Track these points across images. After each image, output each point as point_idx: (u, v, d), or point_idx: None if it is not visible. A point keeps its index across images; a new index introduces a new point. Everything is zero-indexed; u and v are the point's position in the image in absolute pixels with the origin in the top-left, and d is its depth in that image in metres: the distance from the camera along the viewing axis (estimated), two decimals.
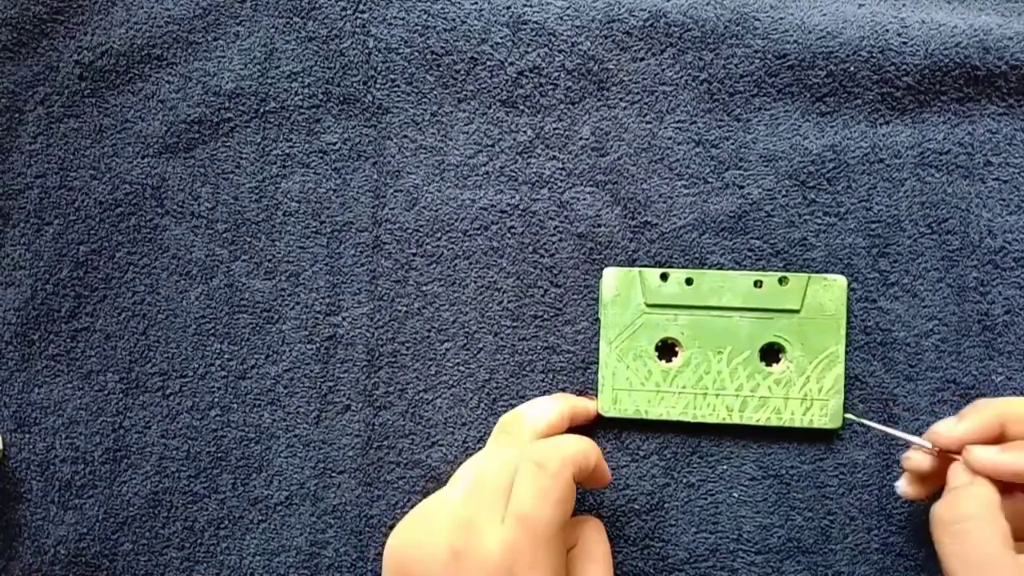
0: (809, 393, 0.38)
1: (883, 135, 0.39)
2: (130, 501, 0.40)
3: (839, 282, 0.38)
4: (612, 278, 0.39)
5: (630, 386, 0.38)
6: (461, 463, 0.39)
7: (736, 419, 0.38)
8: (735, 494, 0.39)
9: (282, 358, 0.40)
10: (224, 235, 0.41)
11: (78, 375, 0.40)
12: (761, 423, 0.38)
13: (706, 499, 0.39)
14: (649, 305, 0.38)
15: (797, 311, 0.38)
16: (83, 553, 0.40)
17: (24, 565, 0.40)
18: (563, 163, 0.40)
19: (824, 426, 0.38)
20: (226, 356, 0.40)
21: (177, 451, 0.40)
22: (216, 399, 0.40)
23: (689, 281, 0.38)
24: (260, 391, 0.40)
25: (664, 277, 0.38)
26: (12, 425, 0.40)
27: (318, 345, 0.40)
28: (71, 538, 0.40)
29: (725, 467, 0.39)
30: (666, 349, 0.39)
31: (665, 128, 0.40)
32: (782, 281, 0.38)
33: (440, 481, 0.39)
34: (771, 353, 0.38)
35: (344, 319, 0.40)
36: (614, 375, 0.38)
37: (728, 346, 0.38)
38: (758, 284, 0.38)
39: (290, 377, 0.40)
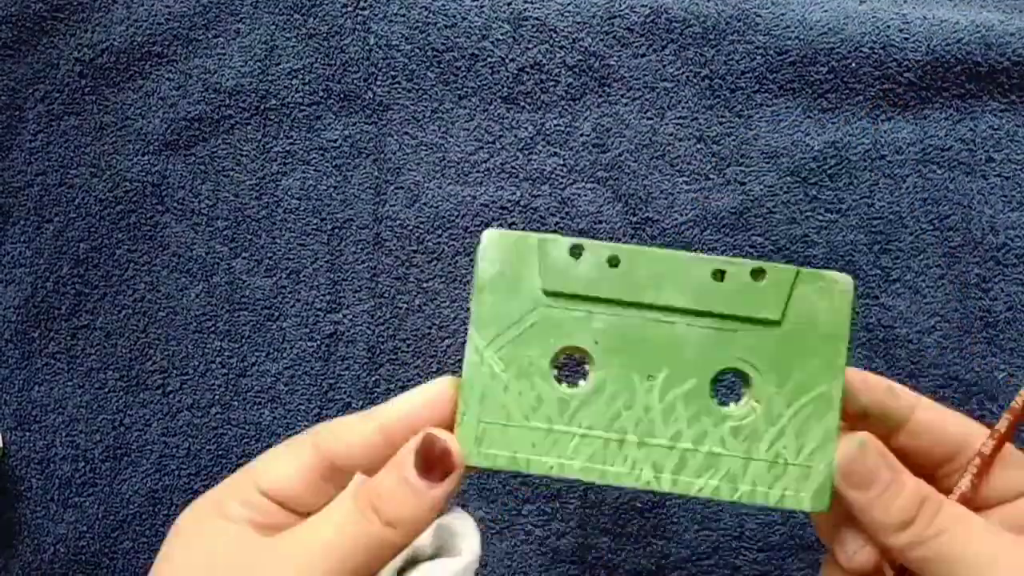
0: (782, 453, 0.25)
1: (885, 131, 0.39)
2: (130, 499, 0.40)
3: (841, 285, 0.25)
4: (495, 246, 0.25)
5: (507, 419, 0.25)
6: None
7: (666, 485, 0.25)
8: None
9: (283, 355, 0.40)
10: (224, 232, 0.41)
11: (78, 373, 0.40)
12: (705, 494, 0.25)
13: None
14: (550, 294, 0.25)
15: (776, 323, 0.25)
16: (83, 551, 0.39)
17: (24, 563, 0.39)
18: (564, 159, 0.40)
19: (800, 507, 0.25)
20: (227, 354, 0.40)
21: (177, 449, 0.40)
22: (216, 397, 0.40)
23: (615, 261, 0.25)
24: (261, 389, 0.40)
25: (577, 252, 0.25)
26: (12, 423, 0.40)
27: (319, 342, 0.40)
28: (71, 536, 0.40)
29: None
30: (570, 366, 0.26)
31: (666, 124, 0.40)
32: (756, 274, 0.25)
33: None
34: (730, 386, 0.26)
35: (345, 316, 0.40)
36: (483, 399, 0.25)
37: (665, 369, 0.25)
38: (719, 275, 0.25)
39: (291, 374, 0.40)
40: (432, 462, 0.24)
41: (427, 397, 0.25)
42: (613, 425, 0.25)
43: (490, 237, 0.25)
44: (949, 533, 0.23)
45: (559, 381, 0.25)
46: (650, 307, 0.25)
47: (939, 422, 0.25)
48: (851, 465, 0.24)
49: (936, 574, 0.23)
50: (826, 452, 0.25)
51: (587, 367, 0.25)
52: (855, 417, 0.25)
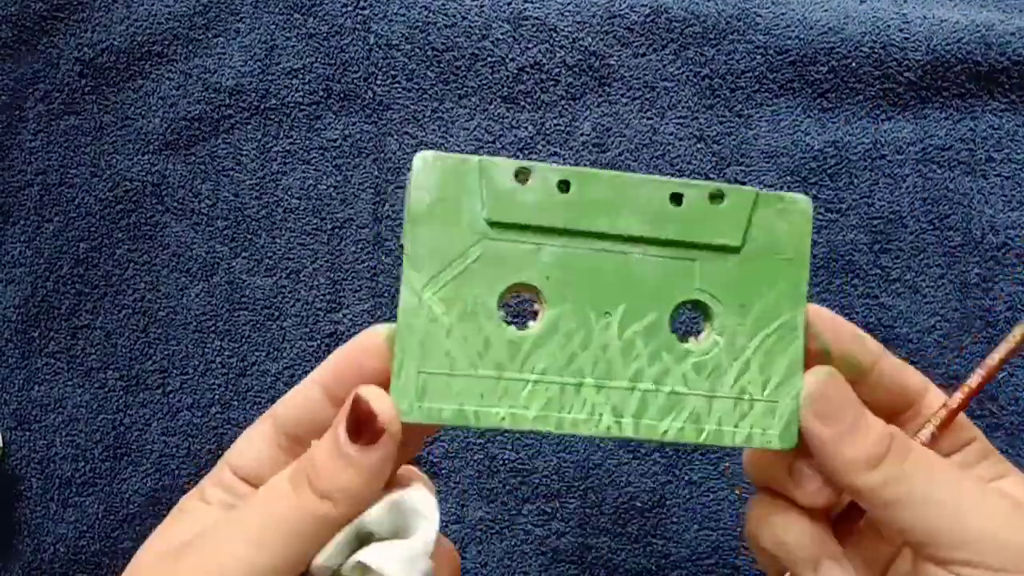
0: (748, 389, 0.23)
1: (885, 131, 0.39)
2: (130, 499, 0.40)
3: (800, 205, 0.24)
4: (430, 171, 0.23)
5: (451, 368, 0.22)
6: (463, 459, 0.39)
7: (628, 430, 0.23)
8: (737, 491, 0.38)
9: (283, 355, 0.40)
10: (224, 232, 0.41)
11: (78, 372, 0.40)
12: (670, 437, 0.23)
13: (708, 496, 0.38)
14: (494, 224, 0.23)
15: (736, 249, 0.24)
16: (83, 551, 0.39)
17: (24, 563, 0.39)
18: (564, 159, 0.40)
19: (768, 445, 0.23)
20: (227, 353, 0.40)
21: (178, 449, 0.40)
22: (217, 396, 0.40)
23: (565, 185, 0.23)
24: (261, 388, 0.40)
25: (522, 175, 0.23)
26: (12, 423, 0.40)
27: (319, 342, 0.40)
28: (71, 536, 0.40)
29: (728, 464, 0.39)
30: (518, 305, 0.26)
31: (666, 124, 0.40)
32: (715, 197, 0.24)
33: (442, 477, 0.39)
34: (691, 319, 0.25)
35: (345, 316, 0.40)
36: (422, 346, 0.22)
37: (622, 304, 0.23)
38: (676, 199, 0.23)
39: (291, 374, 0.40)
40: (360, 425, 0.21)
41: (362, 346, 0.22)
42: (568, 368, 0.23)
43: (423, 159, 0.22)
44: (922, 474, 0.22)
45: (507, 322, 0.23)
46: (604, 236, 0.23)
47: (900, 374, 0.25)
48: (822, 393, 0.23)
49: (900, 516, 0.22)
50: (792, 384, 0.23)
51: (537, 306, 0.23)
52: (818, 358, 0.24)
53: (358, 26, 0.41)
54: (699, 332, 0.24)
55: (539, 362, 0.23)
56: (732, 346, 0.23)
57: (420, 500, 0.22)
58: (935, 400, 0.25)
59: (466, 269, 0.23)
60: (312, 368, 0.40)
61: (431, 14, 0.41)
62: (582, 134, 0.40)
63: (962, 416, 0.25)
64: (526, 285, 0.23)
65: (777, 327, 0.24)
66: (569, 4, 0.40)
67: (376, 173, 0.41)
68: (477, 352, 0.23)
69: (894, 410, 0.25)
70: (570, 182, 0.23)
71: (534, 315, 0.23)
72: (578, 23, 0.40)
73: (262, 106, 0.41)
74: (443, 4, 0.41)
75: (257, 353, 0.40)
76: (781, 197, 0.24)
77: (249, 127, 0.41)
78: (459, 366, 0.22)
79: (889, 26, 0.39)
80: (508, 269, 0.23)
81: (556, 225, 0.23)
